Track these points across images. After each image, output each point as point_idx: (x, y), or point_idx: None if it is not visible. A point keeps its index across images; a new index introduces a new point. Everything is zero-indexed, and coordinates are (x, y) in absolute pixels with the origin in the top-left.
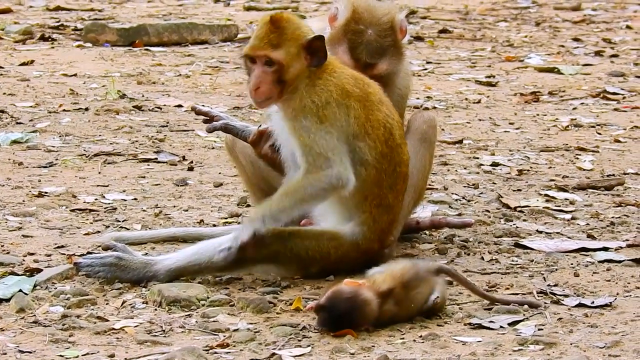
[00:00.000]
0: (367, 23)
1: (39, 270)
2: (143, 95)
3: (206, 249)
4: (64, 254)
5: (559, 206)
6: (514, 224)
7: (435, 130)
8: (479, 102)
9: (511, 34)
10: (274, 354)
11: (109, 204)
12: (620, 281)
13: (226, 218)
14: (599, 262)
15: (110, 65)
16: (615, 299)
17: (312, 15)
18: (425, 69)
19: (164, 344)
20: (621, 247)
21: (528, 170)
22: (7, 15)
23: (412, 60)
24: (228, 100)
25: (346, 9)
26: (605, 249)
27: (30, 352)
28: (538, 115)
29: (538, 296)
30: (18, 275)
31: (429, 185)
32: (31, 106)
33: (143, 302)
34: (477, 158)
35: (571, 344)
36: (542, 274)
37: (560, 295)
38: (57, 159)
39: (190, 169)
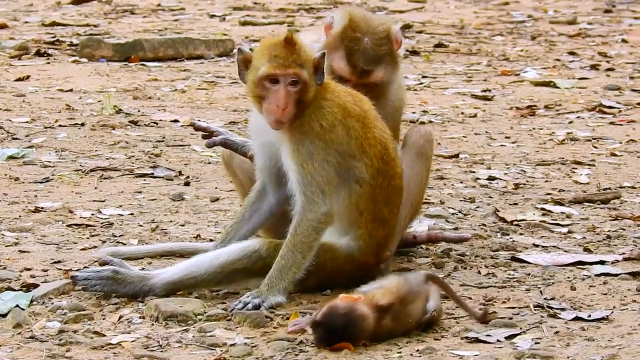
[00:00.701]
0: (364, 31)
1: (35, 286)
2: (139, 111)
3: (202, 263)
4: (60, 269)
5: (556, 220)
6: (510, 238)
7: (432, 145)
8: (475, 116)
9: (507, 48)
10: None
11: (106, 219)
12: (617, 294)
13: (222, 233)
14: (596, 275)
15: (106, 81)
16: (612, 312)
17: (307, 30)
18: (421, 83)
19: (161, 359)
20: (617, 261)
21: (524, 184)
22: (3, 31)
23: (408, 74)
24: (224, 115)
25: (342, 17)
26: (602, 262)
27: None
28: (534, 129)
29: (535, 310)
30: (15, 290)
31: (425, 199)
32: (27, 121)
33: (140, 317)
34: (474, 172)
35: (568, 357)
36: (539, 288)
37: (557, 308)
38: (53, 174)
39: (187, 183)
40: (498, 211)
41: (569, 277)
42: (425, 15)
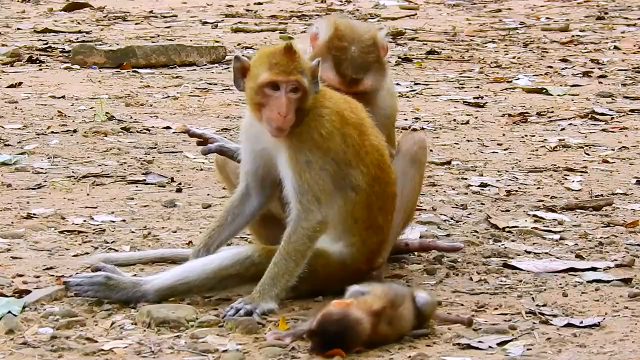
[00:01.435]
0: (350, 40)
1: (27, 292)
2: (131, 117)
3: (195, 268)
4: (52, 275)
5: (548, 226)
6: (502, 245)
7: (426, 152)
8: (467, 123)
9: (499, 55)
10: None
11: (98, 225)
12: (609, 301)
13: None
14: (588, 282)
15: (98, 87)
16: (604, 318)
17: (299, 37)
18: (413, 90)
19: None
20: (610, 267)
21: (516, 191)
22: None
23: (400, 81)
24: (216, 121)
25: (328, 27)
26: (594, 269)
27: None
28: (526, 136)
29: (527, 316)
30: (7, 296)
31: (418, 206)
32: (19, 128)
33: (132, 323)
34: (466, 179)
35: None
36: (531, 294)
37: (548, 315)
38: (45, 181)
39: (179, 190)
40: (490, 218)
41: (560, 284)
42: (417, 22)
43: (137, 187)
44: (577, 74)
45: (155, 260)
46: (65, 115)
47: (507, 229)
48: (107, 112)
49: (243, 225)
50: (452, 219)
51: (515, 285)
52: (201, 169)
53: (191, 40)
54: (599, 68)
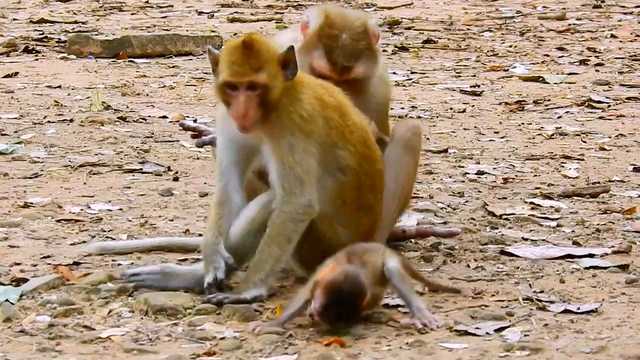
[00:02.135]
0: (341, 27)
1: (25, 280)
2: (127, 107)
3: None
4: (50, 264)
5: (545, 214)
6: (499, 232)
7: (420, 138)
8: (463, 111)
9: (496, 43)
10: None
11: (95, 214)
12: (606, 287)
13: None
14: (585, 268)
15: (95, 77)
16: (601, 304)
17: (289, 27)
18: (410, 79)
19: (151, 353)
20: (607, 254)
21: (513, 179)
22: None
23: (396, 70)
24: (213, 111)
25: (318, 15)
26: (591, 255)
27: None
28: (523, 124)
29: (524, 302)
30: (4, 285)
31: (414, 193)
32: (16, 117)
33: (129, 311)
34: (463, 167)
35: (557, 349)
36: (528, 281)
37: (546, 301)
38: (42, 170)
39: (176, 179)
40: (487, 205)
41: (558, 271)
42: (413, 11)
43: (133, 176)
44: (574, 62)
45: (153, 249)
46: (62, 105)
47: (504, 217)
48: (103, 102)
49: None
50: (449, 206)
51: (513, 272)
52: (198, 158)
53: (187, 30)
54: (596, 56)
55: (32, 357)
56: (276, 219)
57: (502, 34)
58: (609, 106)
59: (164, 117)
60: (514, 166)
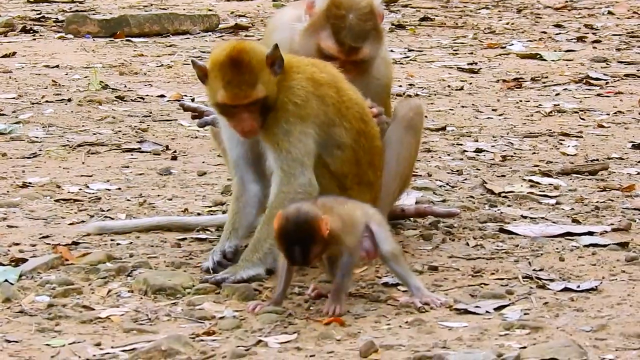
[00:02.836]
0: (348, 7)
1: (24, 260)
2: (125, 86)
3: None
4: (49, 244)
5: (544, 191)
6: (498, 210)
7: (422, 118)
8: (461, 89)
9: (493, 21)
10: (260, 341)
11: (93, 193)
12: (606, 265)
13: (210, 206)
14: (584, 246)
15: (92, 57)
16: (601, 282)
17: (289, 5)
18: (407, 57)
19: (150, 332)
20: (606, 232)
21: (512, 156)
22: None
23: (394, 48)
24: None
25: None
26: (590, 233)
27: (16, 342)
28: (521, 101)
29: (523, 281)
30: (3, 265)
31: (413, 172)
32: (14, 97)
33: (129, 291)
34: (461, 145)
35: (557, 327)
36: (527, 259)
37: (545, 279)
38: (40, 150)
39: (174, 158)
40: (486, 183)
41: (557, 248)
42: None
43: (132, 155)
44: (571, 39)
45: (151, 228)
46: (60, 85)
47: (502, 194)
48: (101, 81)
49: (255, 213)
50: (447, 184)
51: (512, 250)
52: (196, 137)
53: (184, 9)
54: (593, 33)
55: (32, 337)
56: (275, 199)
57: (499, 11)
58: (607, 83)
59: (162, 96)
60: (512, 144)
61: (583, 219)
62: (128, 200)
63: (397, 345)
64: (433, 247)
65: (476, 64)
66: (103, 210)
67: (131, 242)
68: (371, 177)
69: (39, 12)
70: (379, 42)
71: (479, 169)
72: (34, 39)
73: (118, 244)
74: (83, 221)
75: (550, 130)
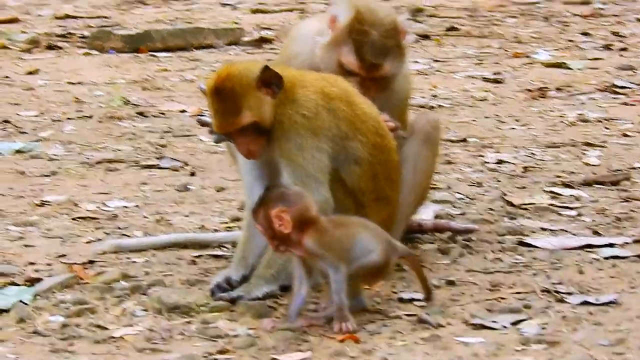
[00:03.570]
0: (371, 23)
1: (39, 280)
2: (147, 101)
3: None
4: (65, 262)
5: (564, 203)
6: (517, 222)
7: (439, 132)
8: (484, 99)
9: (519, 30)
10: (274, 358)
11: (110, 211)
12: (626, 277)
13: (227, 222)
14: (604, 258)
15: (116, 72)
16: (621, 295)
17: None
18: (432, 67)
19: (164, 352)
20: (627, 243)
21: (533, 167)
22: (14, 25)
23: (418, 58)
24: None
25: (348, 10)
26: (611, 245)
27: None
28: (545, 111)
29: (542, 294)
30: (18, 285)
31: (432, 184)
32: (35, 115)
33: (143, 310)
34: (482, 156)
35: (575, 342)
36: (546, 272)
37: (564, 293)
38: (59, 168)
39: (192, 174)
40: (505, 195)
41: (577, 261)
42: None
43: (150, 171)
44: (598, 47)
45: (167, 246)
46: (82, 101)
47: (522, 206)
48: (123, 97)
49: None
50: (467, 196)
51: (530, 263)
52: (215, 152)
53: (210, 23)
54: (620, 41)
55: (45, 358)
56: None
57: (526, 20)
58: (633, 91)
59: (183, 111)
60: (534, 154)
61: (604, 231)
62: (145, 217)
63: None
64: (451, 261)
65: (501, 73)
66: (120, 228)
67: (147, 260)
68: (388, 192)
69: (64, 28)
70: (401, 59)
71: (500, 181)
72: (59, 56)
73: (134, 262)
74: (99, 239)
75: (574, 140)
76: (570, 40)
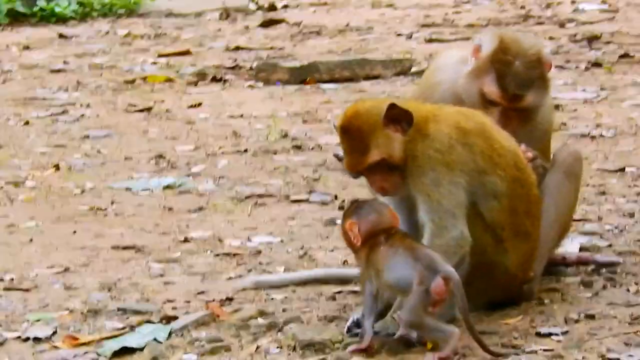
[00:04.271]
0: (515, 54)
1: (175, 318)
2: (306, 134)
3: None
4: (203, 300)
5: None
6: None
7: (581, 164)
8: None
9: None
10: None
11: (254, 247)
12: None
13: None
14: None
15: (279, 105)
16: None
17: (453, 46)
18: (598, 96)
19: None
20: None
21: None
22: (186, 58)
23: (586, 87)
24: None
25: (492, 40)
26: None
27: None
28: None
29: None
30: (154, 323)
31: (583, 216)
32: (191, 149)
33: (277, 347)
34: (638, 186)
35: None
36: None
37: None
38: (207, 203)
39: (341, 207)
40: None
41: None
42: (615, 25)
43: (299, 206)
44: None
45: (308, 281)
46: (239, 135)
47: None
48: (282, 130)
49: None
50: (616, 227)
51: None
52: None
53: (382, 53)
54: None
55: None
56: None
57: None
58: None
59: None
60: None
61: None
62: (288, 252)
63: None
64: (592, 295)
65: None
66: (262, 264)
67: (286, 297)
68: (528, 227)
69: (234, 60)
70: (545, 90)
71: None
72: (223, 89)
73: (272, 298)
74: (240, 276)
75: None
76: None
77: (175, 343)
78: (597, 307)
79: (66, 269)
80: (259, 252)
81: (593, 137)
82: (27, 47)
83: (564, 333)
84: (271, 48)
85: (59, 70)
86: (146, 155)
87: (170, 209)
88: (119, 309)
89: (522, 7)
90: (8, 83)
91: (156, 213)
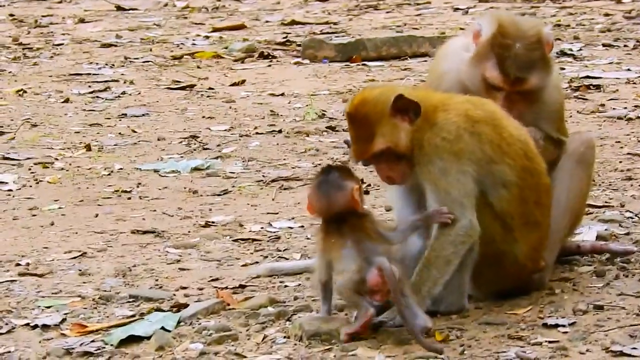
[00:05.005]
0: (514, 37)
1: (185, 306)
2: (343, 115)
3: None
4: (216, 287)
5: None
6: None
7: (594, 152)
8: None
9: None
10: None
11: (274, 232)
12: None
13: None
14: None
15: (322, 83)
16: None
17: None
18: None
19: None
20: None
21: None
22: (240, 32)
23: (631, 66)
24: None
25: (491, 24)
26: None
27: None
28: None
29: None
30: (164, 311)
31: (606, 202)
32: (225, 130)
33: (284, 337)
34: None
35: None
36: None
37: None
38: (233, 186)
39: (366, 192)
40: None
41: None
42: None
43: None
44: None
45: None
46: (277, 114)
47: None
48: (320, 110)
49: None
50: (637, 215)
51: None
52: None
53: (437, 28)
54: None
55: None
56: (435, 242)
57: None
58: None
59: None
60: None
61: None
62: (307, 238)
63: None
64: (604, 285)
65: None
66: (279, 250)
67: (299, 284)
68: (538, 216)
69: (286, 35)
70: (547, 71)
71: None
72: (270, 66)
73: (285, 285)
74: (256, 262)
75: None
76: None
77: (183, 332)
78: (607, 297)
79: (83, 254)
80: (278, 237)
81: (630, 119)
82: (82, 20)
83: (571, 324)
84: (326, 22)
85: (109, 45)
86: (180, 135)
87: (195, 192)
88: (130, 296)
89: None
90: (56, 58)
91: (180, 196)
